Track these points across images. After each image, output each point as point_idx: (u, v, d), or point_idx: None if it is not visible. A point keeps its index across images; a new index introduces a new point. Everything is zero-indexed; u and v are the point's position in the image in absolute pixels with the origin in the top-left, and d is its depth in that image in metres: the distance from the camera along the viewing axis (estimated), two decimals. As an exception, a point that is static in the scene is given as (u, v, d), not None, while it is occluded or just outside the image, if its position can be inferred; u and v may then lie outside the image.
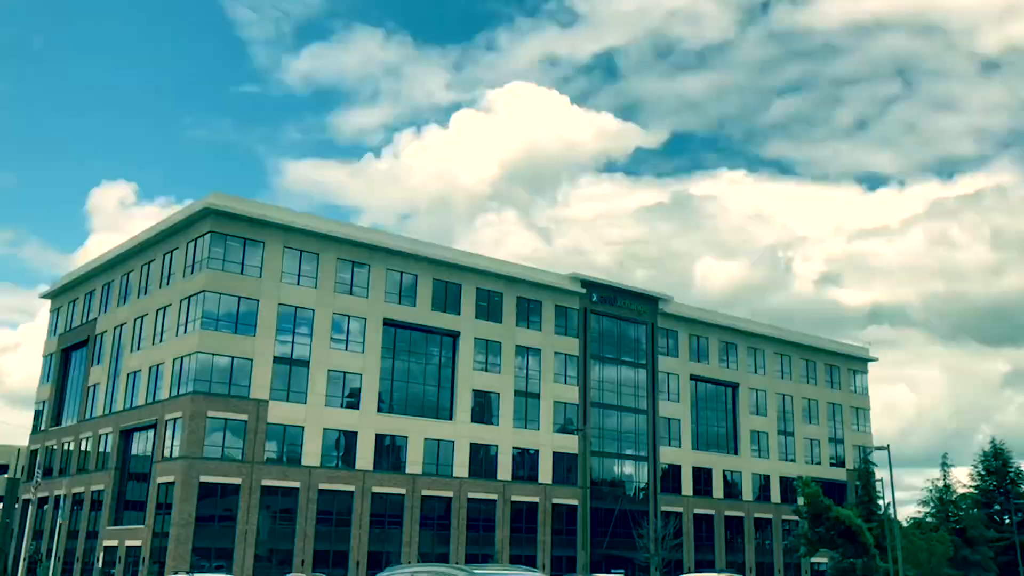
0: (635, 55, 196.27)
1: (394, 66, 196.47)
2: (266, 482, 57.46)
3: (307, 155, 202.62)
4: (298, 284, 61.31)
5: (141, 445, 61.97)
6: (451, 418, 67.39)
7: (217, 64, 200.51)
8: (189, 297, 58.81)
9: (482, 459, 68.27)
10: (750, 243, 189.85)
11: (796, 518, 79.94)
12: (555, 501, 71.48)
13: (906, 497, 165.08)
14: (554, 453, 72.35)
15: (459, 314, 68.88)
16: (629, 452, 78.49)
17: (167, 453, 57.06)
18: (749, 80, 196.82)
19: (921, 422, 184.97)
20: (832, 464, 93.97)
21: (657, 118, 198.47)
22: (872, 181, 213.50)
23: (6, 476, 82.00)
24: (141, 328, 64.30)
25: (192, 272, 59.26)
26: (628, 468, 78.41)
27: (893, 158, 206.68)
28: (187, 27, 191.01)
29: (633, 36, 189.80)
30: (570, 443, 73.43)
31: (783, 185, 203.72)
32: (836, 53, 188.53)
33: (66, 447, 70.86)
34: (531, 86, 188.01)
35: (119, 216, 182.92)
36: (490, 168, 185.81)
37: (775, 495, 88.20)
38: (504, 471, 69.05)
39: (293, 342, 60.56)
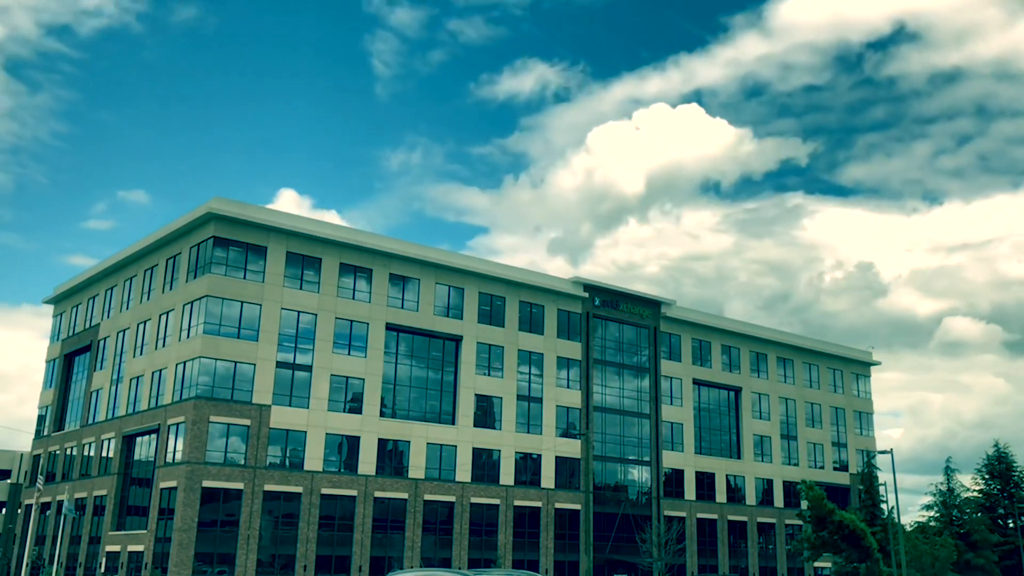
0: (736, 94, 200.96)
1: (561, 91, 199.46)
2: (268, 487, 57.46)
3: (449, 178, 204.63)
4: (300, 289, 61.35)
5: (144, 450, 61.99)
6: (453, 423, 67.36)
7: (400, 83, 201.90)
8: (192, 302, 58.86)
9: (484, 463, 68.23)
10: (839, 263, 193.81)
11: (799, 522, 79.94)
12: (558, 505, 71.41)
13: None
14: (557, 457, 72.30)
15: (461, 319, 68.88)
16: (632, 456, 78.39)
17: (169, 458, 57.07)
18: (839, 119, 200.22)
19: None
20: (835, 468, 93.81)
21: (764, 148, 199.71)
22: (950, 201, 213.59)
23: (9, 481, 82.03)
24: (144, 333, 64.36)
25: (195, 277, 59.31)
26: (631, 472, 78.32)
27: (968, 184, 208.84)
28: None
29: (735, 77, 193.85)
30: (573, 447, 73.38)
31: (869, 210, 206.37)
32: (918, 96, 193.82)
33: (69, 452, 70.90)
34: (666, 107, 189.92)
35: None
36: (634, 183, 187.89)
37: (778, 499, 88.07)
38: (507, 475, 69.00)
39: (296, 347, 60.58)
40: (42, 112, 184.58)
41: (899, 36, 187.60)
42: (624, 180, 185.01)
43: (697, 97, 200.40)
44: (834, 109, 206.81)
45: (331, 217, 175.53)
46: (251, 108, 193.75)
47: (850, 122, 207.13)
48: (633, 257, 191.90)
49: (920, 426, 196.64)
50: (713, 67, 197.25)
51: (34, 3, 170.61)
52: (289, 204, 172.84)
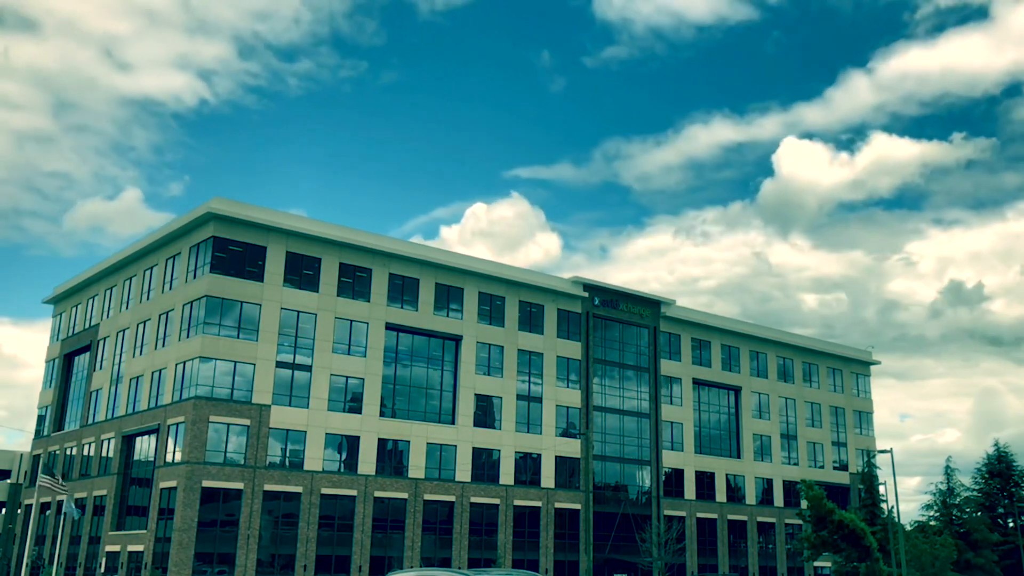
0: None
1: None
2: (268, 487, 57.45)
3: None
4: (300, 289, 61.35)
5: (143, 450, 61.99)
6: (453, 422, 67.36)
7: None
8: (191, 302, 58.85)
9: (484, 463, 68.23)
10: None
11: (799, 522, 79.95)
12: (557, 505, 71.41)
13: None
14: (556, 457, 72.30)
15: (461, 318, 68.88)
16: (632, 456, 78.39)
17: (169, 458, 57.07)
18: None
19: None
20: (835, 468, 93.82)
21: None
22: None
23: (8, 481, 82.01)
24: (143, 333, 64.36)
25: (194, 277, 59.30)
26: (631, 472, 78.31)
27: None
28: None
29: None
30: (572, 447, 73.38)
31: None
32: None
33: (68, 452, 70.90)
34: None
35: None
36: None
37: (778, 499, 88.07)
38: (506, 475, 69.00)
39: (295, 347, 60.57)
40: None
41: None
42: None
43: None
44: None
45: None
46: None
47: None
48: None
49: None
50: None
51: (243, 67, 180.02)
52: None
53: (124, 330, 67.05)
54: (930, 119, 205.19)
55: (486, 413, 69.37)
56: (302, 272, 61.72)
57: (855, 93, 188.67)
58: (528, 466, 70.80)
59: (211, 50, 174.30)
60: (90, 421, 68.70)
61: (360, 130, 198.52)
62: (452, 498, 65.59)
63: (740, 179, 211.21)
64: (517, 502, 69.04)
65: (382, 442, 63.44)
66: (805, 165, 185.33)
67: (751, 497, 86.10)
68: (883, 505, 69.75)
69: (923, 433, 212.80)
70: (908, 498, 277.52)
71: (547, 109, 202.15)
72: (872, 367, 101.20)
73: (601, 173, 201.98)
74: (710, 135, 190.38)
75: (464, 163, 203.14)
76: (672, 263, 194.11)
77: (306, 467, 59.41)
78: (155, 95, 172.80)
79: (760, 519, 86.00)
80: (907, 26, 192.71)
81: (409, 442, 64.63)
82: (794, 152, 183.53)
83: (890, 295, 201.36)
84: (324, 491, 59.70)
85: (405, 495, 63.35)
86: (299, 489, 58.69)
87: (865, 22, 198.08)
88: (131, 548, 58.29)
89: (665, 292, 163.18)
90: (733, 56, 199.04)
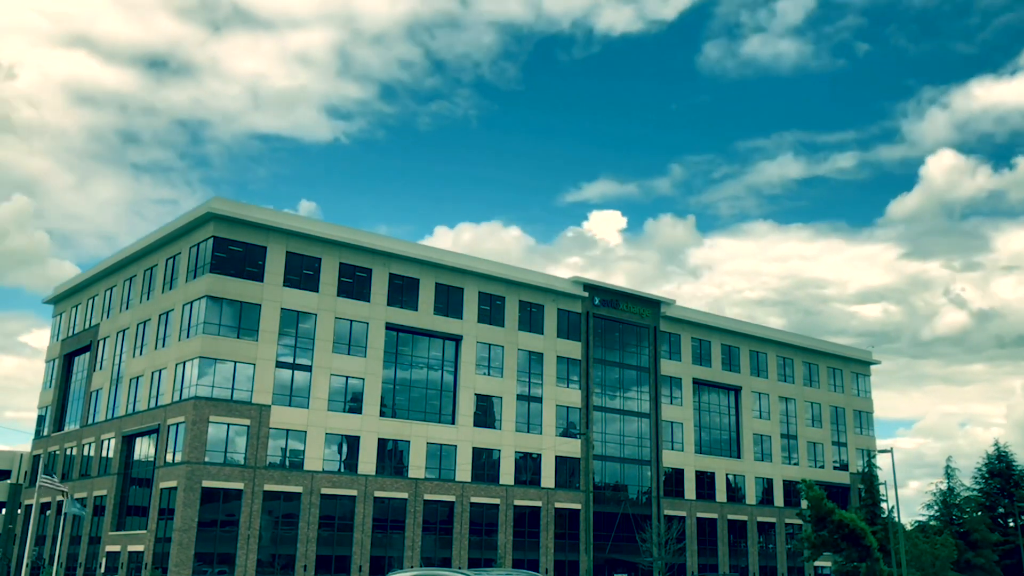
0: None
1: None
2: (268, 487, 57.44)
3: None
4: (300, 289, 61.33)
5: (143, 450, 61.98)
6: (453, 422, 67.35)
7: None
8: (191, 302, 58.84)
9: (484, 463, 68.22)
10: None
11: (799, 522, 79.92)
12: (558, 505, 71.39)
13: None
14: (556, 457, 72.29)
15: (461, 318, 68.86)
16: (632, 456, 78.37)
17: (169, 458, 57.06)
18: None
19: None
20: (835, 467, 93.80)
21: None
22: None
23: (9, 481, 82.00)
24: (143, 333, 64.34)
25: (194, 277, 59.29)
26: (631, 472, 78.29)
27: None
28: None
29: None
30: (573, 447, 73.37)
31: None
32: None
33: (68, 452, 70.88)
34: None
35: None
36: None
37: (778, 499, 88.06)
38: (506, 475, 68.98)
39: (295, 347, 60.56)
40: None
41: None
42: None
43: None
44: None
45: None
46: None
47: None
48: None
49: None
50: None
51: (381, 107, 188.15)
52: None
53: (124, 330, 67.03)
54: None
55: (486, 413, 69.36)
56: (302, 272, 61.71)
57: None
58: (528, 466, 70.79)
59: (355, 92, 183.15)
60: (90, 421, 68.68)
61: (483, 165, 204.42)
62: (452, 498, 65.58)
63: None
64: (517, 502, 69.03)
65: (382, 442, 63.43)
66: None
67: (751, 497, 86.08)
68: (883, 505, 69.75)
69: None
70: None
71: (668, 150, 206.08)
72: (872, 367, 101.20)
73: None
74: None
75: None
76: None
77: (306, 467, 59.40)
78: (287, 131, 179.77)
79: (760, 519, 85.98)
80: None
81: (409, 442, 64.63)
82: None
83: None
84: (324, 491, 59.70)
85: (405, 495, 63.34)
86: (299, 489, 58.69)
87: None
88: (131, 548, 58.28)
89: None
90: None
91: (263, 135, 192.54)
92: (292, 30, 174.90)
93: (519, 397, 71.12)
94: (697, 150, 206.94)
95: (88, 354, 72.16)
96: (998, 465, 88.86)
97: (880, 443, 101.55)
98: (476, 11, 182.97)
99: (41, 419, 77.66)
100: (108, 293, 70.97)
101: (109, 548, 60.77)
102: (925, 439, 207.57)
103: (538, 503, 70.31)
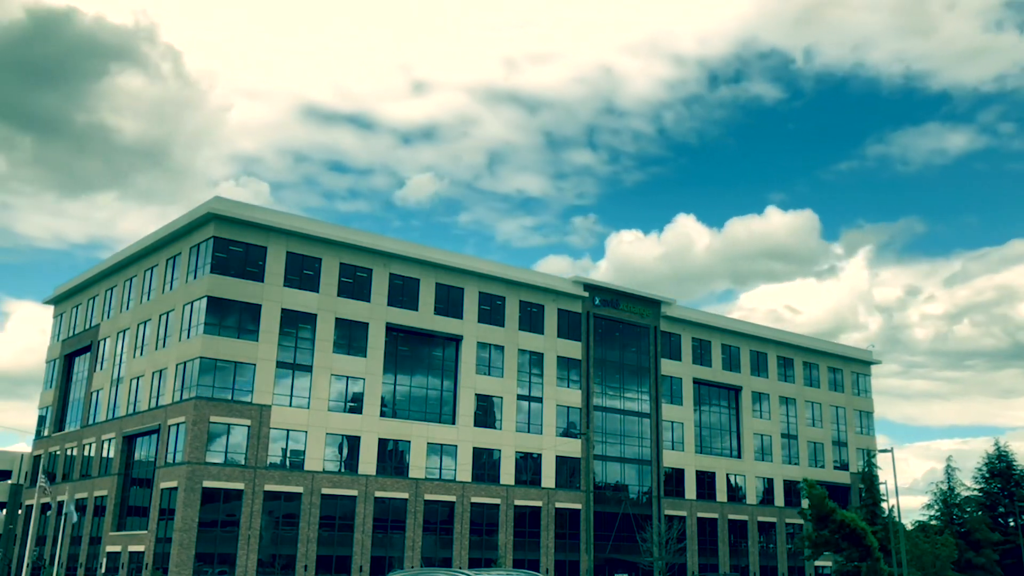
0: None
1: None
2: (269, 487, 57.44)
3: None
4: (300, 289, 61.33)
5: (144, 450, 61.99)
6: (454, 422, 67.34)
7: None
8: (192, 302, 58.84)
9: (485, 463, 68.22)
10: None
11: (800, 521, 79.94)
12: (558, 505, 71.39)
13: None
14: (557, 457, 72.29)
15: (461, 318, 68.86)
16: (632, 456, 78.38)
17: (170, 458, 57.06)
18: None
19: None
20: (836, 467, 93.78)
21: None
22: None
23: (9, 482, 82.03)
24: (144, 333, 64.35)
25: (195, 277, 59.29)
26: (631, 472, 78.29)
27: None
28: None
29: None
30: (573, 447, 73.37)
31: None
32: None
33: (69, 453, 70.89)
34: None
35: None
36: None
37: (779, 498, 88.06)
38: (507, 475, 68.99)
39: (296, 347, 60.57)
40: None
41: None
42: None
43: None
44: None
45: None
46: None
47: None
48: None
49: None
50: None
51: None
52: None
53: (125, 330, 67.04)
54: None
55: (487, 413, 69.37)
56: (302, 272, 61.71)
57: None
58: (529, 466, 70.79)
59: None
60: (91, 421, 68.69)
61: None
62: (453, 498, 65.58)
63: None
64: (518, 502, 69.03)
65: (383, 442, 63.44)
66: None
67: (752, 497, 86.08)
68: (884, 504, 69.77)
69: None
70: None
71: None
72: (872, 366, 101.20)
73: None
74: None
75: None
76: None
77: (307, 467, 59.40)
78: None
79: (761, 519, 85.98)
80: None
81: (410, 442, 64.63)
82: None
83: None
84: (325, 491, 59.70)
85: (406, 495, 63.35)
86: (300, 489, 58.69)
87: None
88: (132, 548, 58.29)
89: None
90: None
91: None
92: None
93: (519, 397, 71.11)
94: None
95: (89, 354, 72.17)
96: (998, 465, 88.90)
97: None
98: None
99: (41, 419, 77.66)
100: (108, 293, 70.98)
101: (110, 548, 60.77)
102: None
103: (539, 503, 70.31)
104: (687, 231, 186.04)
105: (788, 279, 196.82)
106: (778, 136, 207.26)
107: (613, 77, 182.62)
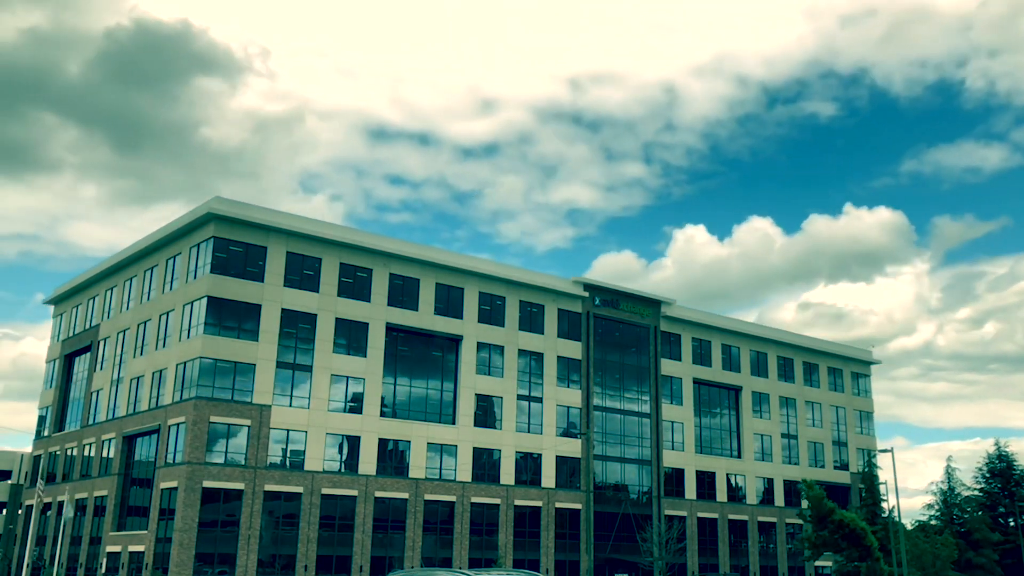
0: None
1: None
2: (269, 487, 57.44)
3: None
4: (300, 289, 61.33)
5: (144, 450, 61.99)
6: (454, 422, 67.34)
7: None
8: (192, 302, 58.84)
9: (485, 463, 68.21)
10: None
11: (800, 521, 79.88)
12: (558, 505, 71.39)
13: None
14: (557, 457, 72.29)
15: (461, 318, 68.85)
16: (632, 456, 78.38)
17: (170, 458, 57.06)
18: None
19: None
20: (836, 467, 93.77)
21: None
22: None
23: (9, 482, 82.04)
24: (144, 333, 64.35)
25: (195, 277, 59.29)
26: (631, 472, 78.28)
27: None
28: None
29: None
30: (573, 447, 73.36)
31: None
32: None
33: (69, 453, 70.89)
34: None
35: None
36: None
37: (779, 498, 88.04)
38: (507, 475, 68.98)
39: (296, 347, 60.57)
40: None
41: None
42: None
43: None
44: None
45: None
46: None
47: None
48: None
49: None
50: None
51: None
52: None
53: (125, 330, 67.04)
54: None
55: (487, 413, 69.36)
56: (302, 272, 61.71)
57: None
58: (529, 466, 70.79)
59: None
60: (91, 422, 68.69)
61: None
62: (453, 498, 65.58)
63: None
64: (518, 502, 69.03)
65: (383, 442, 63.44)
66: None
67: (752, 497, 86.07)
68: (884, 504, 69.78)
69: None
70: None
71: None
72: (872, 366, 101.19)
73: None
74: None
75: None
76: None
77: (307, 467, 59.40)
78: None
79: (761, 519, 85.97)
80: None
81: (410, 442, 64.62)
82: None
83: None
84: (325, 491, 59.70)
85: (406, 495, 63.35)
86: (300, 489, 58.69)
87: None
88: (132, 548, 58.29)
89: None
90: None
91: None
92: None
93: (519, 397, 71.11)
94: None
95: (89, 354, 72.16)
96: (999, 465, 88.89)
97: None
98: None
99: (42, 419, 77.65)
100: (108, 293, 70.98)
101: (110, 548, 60.78)
102: None
103: (539, 503, 70.31)
104: (756, 235, 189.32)
105: (844, 281, 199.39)
106: (828, 151, 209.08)
107: (675, 96, 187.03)
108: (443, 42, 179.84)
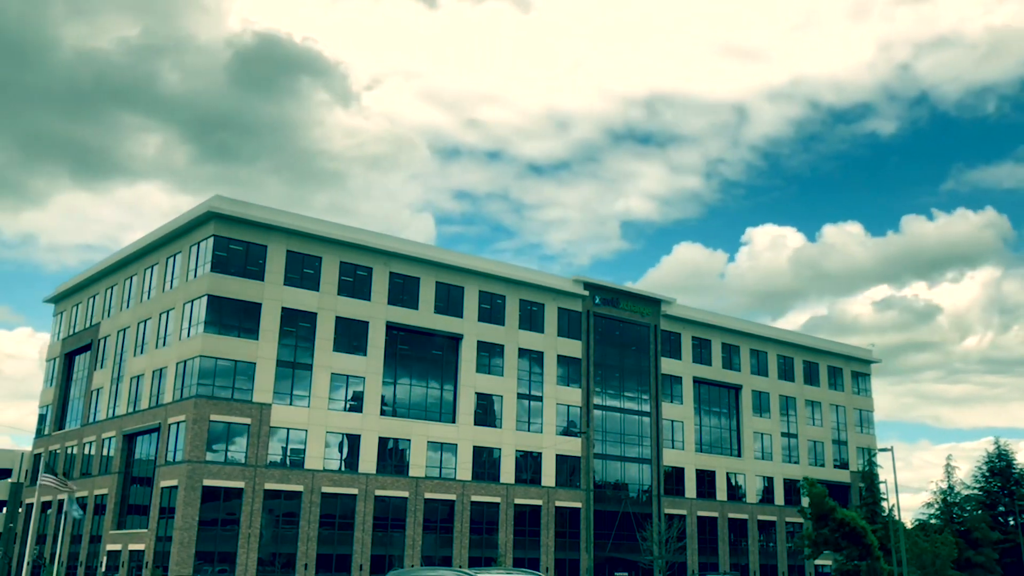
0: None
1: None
2: (269, 486, 57.47)
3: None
4: (301, 287, 61.34)
5: (144, 449, 62.01)
6: (454, 421, 67.36)
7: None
8: (192, 300, 58.85)
9: (485, 462, 68.24)
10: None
11: (800, 520, 79.97)
12: (558, 504, 71.42)
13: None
14: (557, 456, 72.31)
15: (462, 317, 68.87)
16: (632, 454, 78.40)
17: (170, 457, 57.09)
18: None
19: None
20: (836, 466, 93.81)
21: None
22: None
23: (10, 480, 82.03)
24: (144, 332, 64.36)
25: (195, 276, 59.31)
26: (631, 470, 78.31)
27: None
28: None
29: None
30: (573, 446, 73.38)
31: None
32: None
33: (69, 451, 70.92)
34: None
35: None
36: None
37: (779, 497, 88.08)
38: (507, 474, 69.01)
39: (296, 345, 60.59)
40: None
41: None
42: None
43: None
44: None
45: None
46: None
47: None
48: None
49: None
50: None
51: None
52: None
53: (125, 329, 67.05)
54: None
55: (487, 412, 69.39)
56: (303, 271, 61.72)
57: None
58: (529, 465, 70.81)
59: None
60: (91, 420, 68.71)
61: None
62: (453, 497, 65.60)
63: None
64: (518, 501, 69.06)
65: (383, 441, 63.46)
66: None
67: (752, 495, 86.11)
68: (883, 503, 69.81)
69: None
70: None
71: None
72: (872, 365, 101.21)
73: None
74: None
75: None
76: None
77: (307, 466, 59.42)
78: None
79: (761, 517, 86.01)
80: None
81: (410, 441, 64.65)
82: None
83: None
84: (325, 490, 59.72)
85: (406, 494, 63.37)
86: (300, 488, 58.71)
87: None
88: (132, 547, 58.32)
89: None
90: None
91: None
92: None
93: (519, 396, 71.13)
94: None
95: (89, 353, 72.18)
96: (998, 464, 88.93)
97: None
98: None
99: (42, 418, 77.68)
100: (109, 292, 70.99)
101: (110, 547, 60.81)
102: None
103: (539, 502, 70.33)
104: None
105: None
106: (884, 168, 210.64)
107: (744, 117, 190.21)
108: (521, 63, 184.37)
